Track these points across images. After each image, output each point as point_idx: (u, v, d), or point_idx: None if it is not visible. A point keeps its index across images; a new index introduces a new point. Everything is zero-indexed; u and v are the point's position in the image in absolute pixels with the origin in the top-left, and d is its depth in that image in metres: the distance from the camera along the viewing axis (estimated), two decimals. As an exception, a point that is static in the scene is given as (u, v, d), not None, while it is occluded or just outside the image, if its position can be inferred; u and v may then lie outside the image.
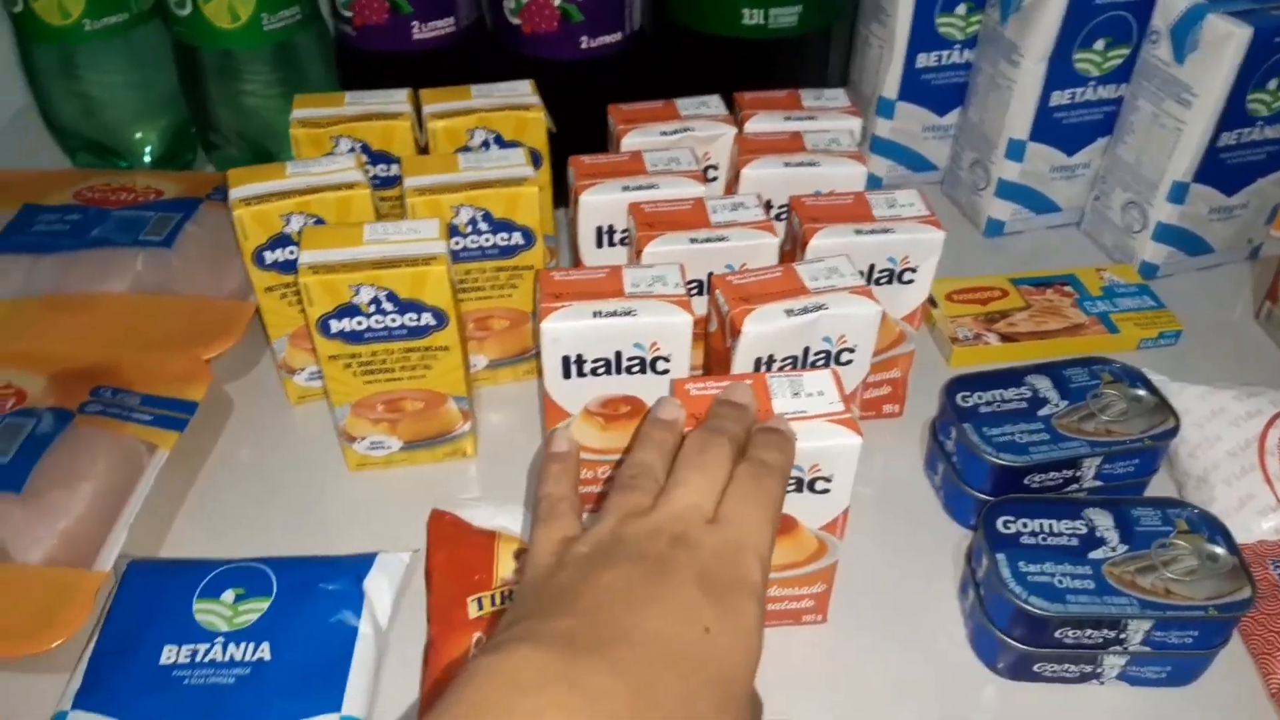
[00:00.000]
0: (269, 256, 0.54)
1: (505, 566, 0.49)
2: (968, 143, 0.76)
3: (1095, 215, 0.75)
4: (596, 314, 0.47)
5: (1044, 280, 0.70)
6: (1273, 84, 0.63)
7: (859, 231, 0.52)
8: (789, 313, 0.47)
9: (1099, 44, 0.67)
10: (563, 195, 0.60)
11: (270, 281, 0.55)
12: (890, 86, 0.75)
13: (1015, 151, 0.71)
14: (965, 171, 0.77)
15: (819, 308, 0.47)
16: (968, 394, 0.55)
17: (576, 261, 0.58)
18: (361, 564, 0.49)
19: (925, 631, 0.50)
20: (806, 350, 0.49)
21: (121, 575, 0.48)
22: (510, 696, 0.29)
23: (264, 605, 0.46)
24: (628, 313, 0.47)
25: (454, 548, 0.50)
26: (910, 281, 0.54)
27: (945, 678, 0.48)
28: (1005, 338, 0.65)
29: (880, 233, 0.52)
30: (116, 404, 0.54)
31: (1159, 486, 0.56)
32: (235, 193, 0.53)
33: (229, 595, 0.47)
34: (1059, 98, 0.69)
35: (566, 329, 0.47)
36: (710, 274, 0.53)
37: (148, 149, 0.77)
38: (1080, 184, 0.75)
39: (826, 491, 0.44)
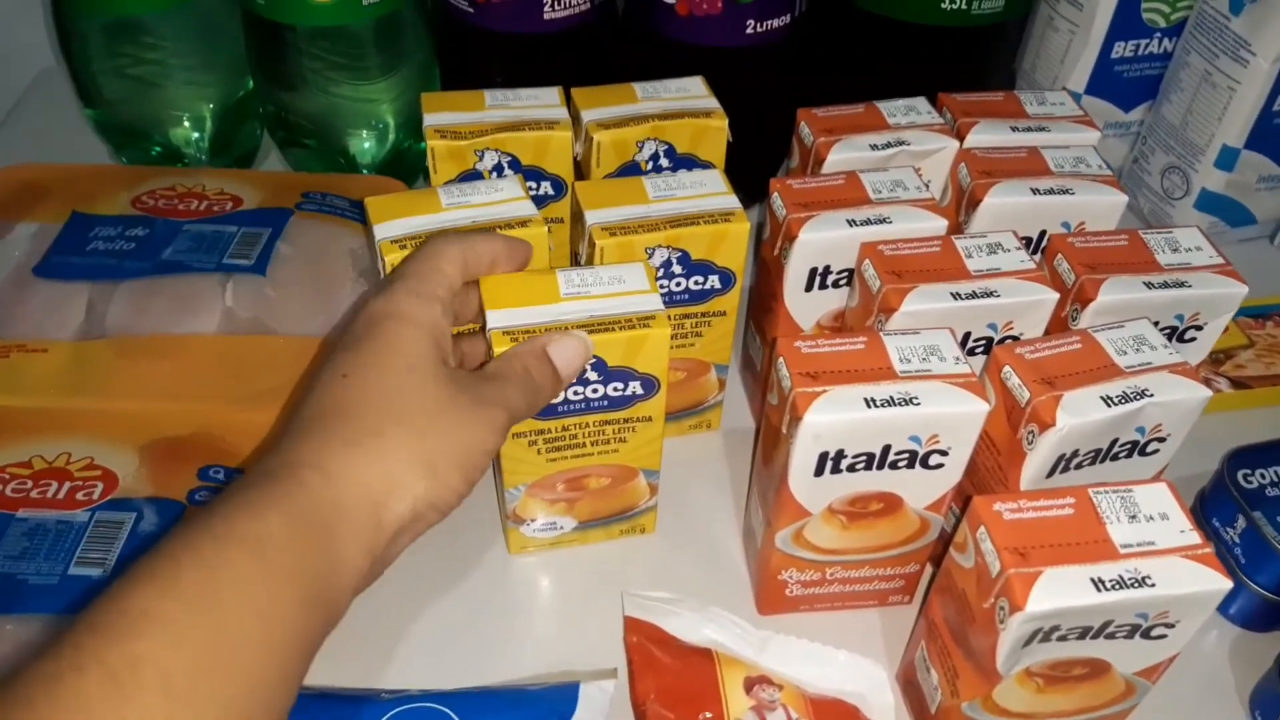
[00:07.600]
0: None
1: (737, 701, 0.40)
2: (1160, 144, 0.66)
3: (1298, 230, 0.66)
4: (869, 402, 0.37)
5: (1260, 310, 0.61)
6: None
7: (1150, 285, 0.43)
8: (1107, 401, 0.38)
9: (1343, 40, 0.58)
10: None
11: None
12: (1078, 79, 0.65)
13: (1226, 160, 0.62)
14: (1154, 177, 0.67)
15: (1142, 394, 0.38)
16: (1249, 472, 0.47)
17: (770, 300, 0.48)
18: (562, 700, 0.39)
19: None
20: (1114, 442, 0.39)
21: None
22: None
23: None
24: (909, 400, 0.37)
25: (665, 673, 0.41)
26: (1192, 340, 0.45)
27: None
28: (1235, 383, 0.57)
29: (1174, 286, 0.43)
30: (232, 491, 0.43)
31: None
32: (381, 230, 0.42)
33: (407, 749, 0.37)
34: (1287, 100, 0.60)
35: (833, 423, 0.37)
36: (968, 335, 0.43)
37: (197, 136, 0.65)
38: (1284, 195, 0.66)
39: (1164, 637, 0.35)
